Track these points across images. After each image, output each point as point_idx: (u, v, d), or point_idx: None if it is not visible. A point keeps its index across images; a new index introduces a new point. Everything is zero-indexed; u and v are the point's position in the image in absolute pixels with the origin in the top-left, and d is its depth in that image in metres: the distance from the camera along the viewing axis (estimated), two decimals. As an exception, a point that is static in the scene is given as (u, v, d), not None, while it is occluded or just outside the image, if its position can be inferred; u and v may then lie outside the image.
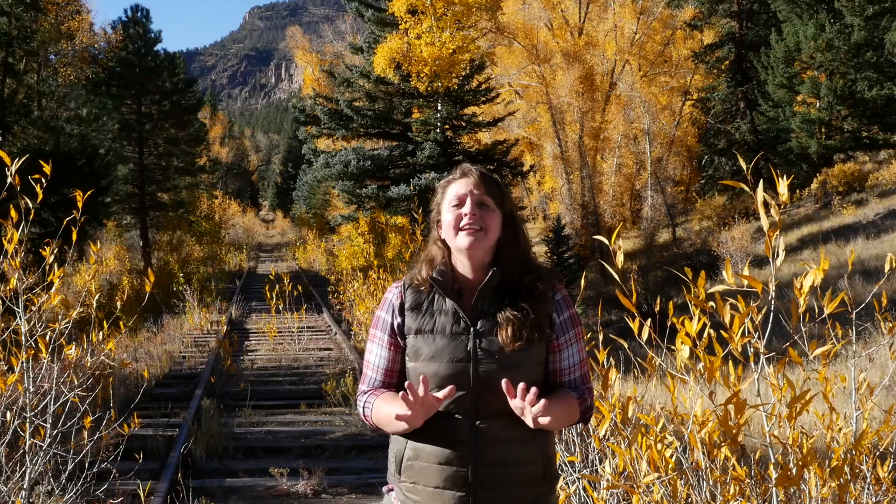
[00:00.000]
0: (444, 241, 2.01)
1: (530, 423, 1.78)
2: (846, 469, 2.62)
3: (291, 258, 36.66)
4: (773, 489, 2.49)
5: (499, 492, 1.89)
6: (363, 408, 2.00)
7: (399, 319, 1.99)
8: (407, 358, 1.98)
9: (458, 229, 1.94)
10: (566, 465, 3.40)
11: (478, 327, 1.91)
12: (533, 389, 1.74)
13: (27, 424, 3.40)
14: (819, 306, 2.35)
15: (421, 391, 1.77)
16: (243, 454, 6.45)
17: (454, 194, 1.97)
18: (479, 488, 1.88)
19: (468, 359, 1.89)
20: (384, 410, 1.91)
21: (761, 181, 2.18)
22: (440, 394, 1.80)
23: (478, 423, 1.88)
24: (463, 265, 1.98)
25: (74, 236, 3.44)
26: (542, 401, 1.73)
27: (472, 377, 1.88)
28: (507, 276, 1.96)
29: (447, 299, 1.94)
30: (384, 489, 2.06)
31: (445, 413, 1.89)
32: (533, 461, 1.92)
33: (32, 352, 3.42)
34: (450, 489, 1.88)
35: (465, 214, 1.93)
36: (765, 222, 2.17)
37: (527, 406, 1.75)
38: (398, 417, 1.79)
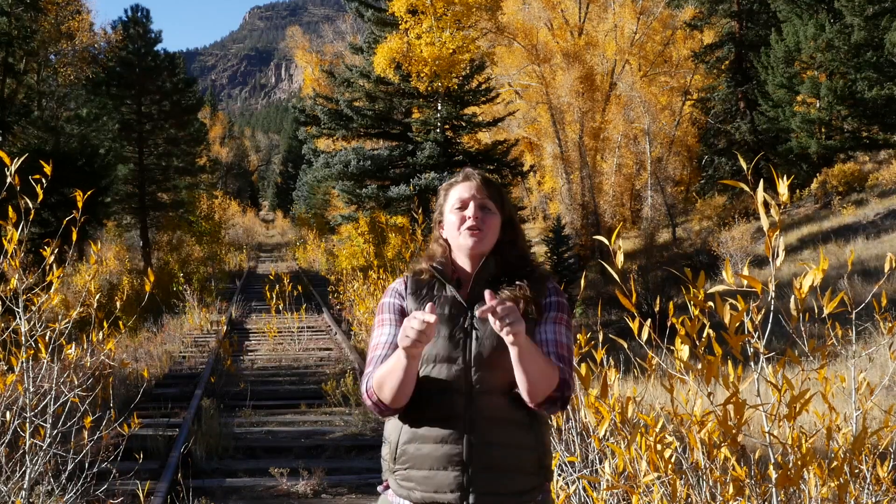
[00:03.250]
0: (445, 240, 2.09)
1: (499, 330, 1.75)
2: (846, 469, 2.62)
3: (291, 258, 36.67)
4: (773, 489, 2.49)
5: (493, 473, 1.90)
6: (365, 385, 1.97)
7: (404, 302, 2.06)
8: None
9: (462, 230, 2.03)
10: (566, 465, 3.40)
11: (475, 310, 1.97)
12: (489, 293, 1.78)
13: (27, 424, 3.41)
14: (819, 306, 2.35)
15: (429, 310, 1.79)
16: (243, 454, 6.45)
17: (457, 197, 2.07)
18: (474, 468, 1.89)
19: (465, 335, 1.95)
20: (386, 366, 1.90)
21: (761, 181, 2.18)
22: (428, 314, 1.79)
23: (472, 399, 1.91)
24: (462, 261, 2.07)
25: (74, 236, 3.44)
26: (510, 304, 1.76)
27: (467, 353, 1.93)
28: (505, 269, 2.04)
29: (447, 286, 2.03)
30: (379, 488, 2.08)
31: (441, 389, 1.92)
32: (528, 446, 1.94)
33: (32, 352, 3.42)
34: (444, 469, 1.90)
35: (469, 217, 2.02)
36: (765, 222, 2.17)
37: (488, 301, 1.75)
38: (418, 331, 1.75)
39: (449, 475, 1.89)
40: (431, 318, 1.76)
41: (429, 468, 1.91)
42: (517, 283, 2.00)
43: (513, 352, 1.81)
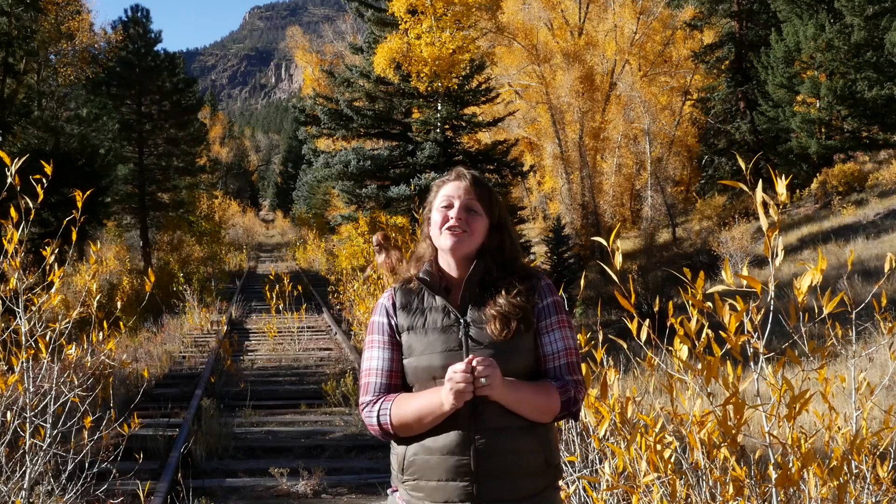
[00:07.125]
0: (432, 239, 2.07)
1: (474, 389, 1.82)
2: (845, 469, 2.62)
3: (291, 258, 36.67)
4: (773, 489, 2.49)
5: (501, 480, 1.90)
6: (378, 416, 1.96)
7: (393, 319, 2.03)
8: (402, 355, 2.01)
9: (443, 229, 2.01)
10: (566, 465, 3.40)
11: (467, 318, 1.97)
12: (471, 356, 1.84)
13: (27, 424, 3.41)
14: (819, 306, 2.35)
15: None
16: (243, 454, 6.45)
17: (445, 195, 2.05)
18: (482, 477, 1.90)
19: (460, 348, 1.93)
20: (413, 405, 1.92)
21: (761, 181, 2.18)
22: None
23: (475, 410, 1.90)
24: (447, 264, 2.05)
25: (74, 236, 3.44)
26: (481, 359, 1.82)
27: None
28: (489, 275, 2.01)
29: (436, 296, 2.00)
30: (388, 491, 2.07)
31: None
32: (534, 450, 1.94)
33: (32, 352, 3.42)
34: (453, 480, 1.90)
35: (452, 217, 2.00)
36: (764, 223, 2.17)
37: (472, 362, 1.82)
38: (456, 389, 1.81)
39: (458, 485, 1.90)
40: (466, 369, 1.81)
41: (437, 479, 1.91)
42: (511, 296, 1.96)
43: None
